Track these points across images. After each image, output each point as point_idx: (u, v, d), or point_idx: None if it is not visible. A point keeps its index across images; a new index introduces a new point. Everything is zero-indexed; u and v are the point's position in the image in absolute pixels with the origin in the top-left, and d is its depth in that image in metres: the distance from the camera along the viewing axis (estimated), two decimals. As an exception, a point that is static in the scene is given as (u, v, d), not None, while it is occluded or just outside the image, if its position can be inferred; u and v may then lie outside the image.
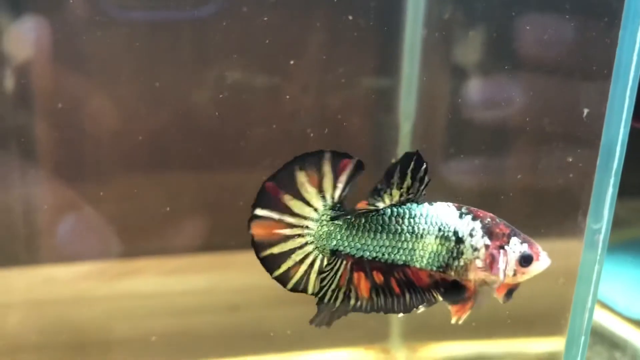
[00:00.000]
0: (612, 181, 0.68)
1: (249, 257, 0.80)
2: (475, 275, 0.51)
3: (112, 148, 0.73)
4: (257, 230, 0.51)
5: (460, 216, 0.51)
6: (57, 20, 0.64)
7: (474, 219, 0.51)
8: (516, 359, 0.82)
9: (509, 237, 0.51)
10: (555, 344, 0.79)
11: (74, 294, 0.77)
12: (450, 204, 0.51)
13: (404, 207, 0.51)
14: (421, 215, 0.51)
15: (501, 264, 0.50)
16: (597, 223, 0.69)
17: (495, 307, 0.79)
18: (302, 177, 0.49)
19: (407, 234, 0.51)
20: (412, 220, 0.51)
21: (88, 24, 0.65)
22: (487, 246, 0.50)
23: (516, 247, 0.51)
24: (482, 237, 0.51)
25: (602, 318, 0.89)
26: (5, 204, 0.72)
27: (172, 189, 0.75)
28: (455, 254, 0.51)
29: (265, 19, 0.68)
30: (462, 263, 0.51)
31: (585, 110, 0.68)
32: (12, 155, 0.70)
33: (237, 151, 0.75)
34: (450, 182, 0.73)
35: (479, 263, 0.51)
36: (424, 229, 0.51)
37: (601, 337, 0.86)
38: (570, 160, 0.71)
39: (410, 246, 0.51)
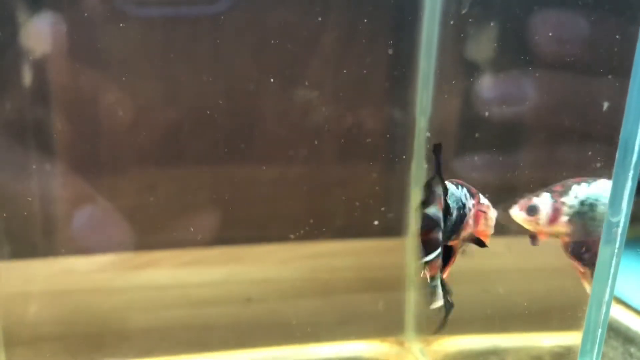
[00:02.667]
0: (630, 174, 0.67)
1: (262, 250, 0.81)
2: (464, 233, 0.55)
3: (128, 142, 0.73)
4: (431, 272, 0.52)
5: (454, 185, 0.55)
6: (74, 16, 0.64)
7: (457, 185, 0.55)
8: (531, 352, 0.81)
9: (478, 195, 0.56)
10: (571, 337, 0.79)
11: (92, 285, 0.78)
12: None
13: None
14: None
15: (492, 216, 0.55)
16: (616, 216, 0.69)
17: (510, 300, 0.79)
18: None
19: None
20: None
21: (104, 20, 0.66)
22: (474, 205, 0.55)
23: (485, 201, 0.56)
24: (470, 199, 0.55)
25: (617, 313, 0.88)
26: (24, 196, 0.72)
27: (188, 182, 0.76)
28: (461, 220, 0.54)
29: (280, 15, 0.68)
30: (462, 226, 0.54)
31: (605, 104, 0.67)
32: (31, 148, 0.70)
33: (251, 145, 0.76)
34: (465, 178, 0.73)
35: (470, 222, 0.55)
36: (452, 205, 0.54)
37: (616, 332, 0.85)
38: (590, 154, 0.71)
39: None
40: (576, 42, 0.69)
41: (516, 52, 0.72)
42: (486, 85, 0.73)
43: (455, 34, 0.72)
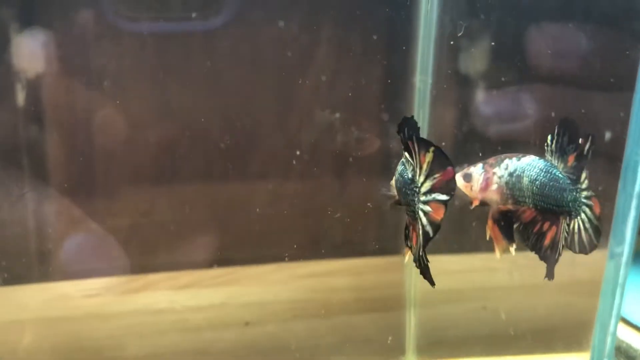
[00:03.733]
0: (634, 203, 0.68)
1: (259, 271, 0.80)
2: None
3: (122, 161, 0.73)
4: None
5: None
6: (66, 33, 0.64)
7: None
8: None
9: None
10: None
11: (87, 311, 0.76)
12: None
13: None
14: None
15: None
16: (619, 246, 0.69)
17: (513, 318, 0.78)
18: None
19: None
20: None
21: (97, 37, 0.66)
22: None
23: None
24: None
25: (619, 330, 0.87)
26: (15, 219, 0.72)
27: (183, 201, 0.75)
28: None
29: (274, 31, 0.68)
30: None
31: (607, 134, 0.68)
32: (23, 170, 0.70)
33: (247, 162, 0.75)
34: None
35: None
36: None
37: (617, 349, 0.84)
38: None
39: None
40: (572, 58, 0.70)
41: (512, 69, 0.72)
42: (483, 101, 0.73)
43: (451, 52, 0.72)
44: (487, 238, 0.59)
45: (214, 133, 0.73)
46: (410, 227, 0.54)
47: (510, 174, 0.58)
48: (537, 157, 0.58)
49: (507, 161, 0.59)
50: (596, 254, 0.77)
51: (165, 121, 0.72)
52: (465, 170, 0.59)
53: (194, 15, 0.67)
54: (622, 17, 0.69)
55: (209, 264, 0.78)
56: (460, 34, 0.70)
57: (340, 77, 0.73)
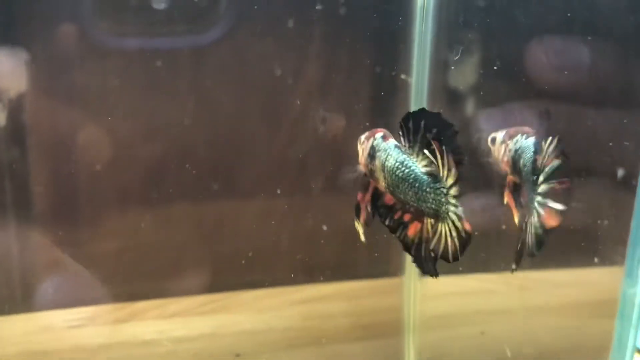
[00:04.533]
0: None
1: (250, 296, 0.78)
2: None
3: (106, 184, 0.71)
4: None
5: None
6: (49, 52, 0.63)
7: None
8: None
9: None
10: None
11: (71, 343, 0.74)
12: None
13: None
14: None
15: None
16: (631, 287, 0.69)
17: (513, 346, 0.76)
18: None
19: None
20: None
21: (82, 55, 0.65)
22: None
23: None
24: None
25: None
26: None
27: (171, 224, 0.73)
28: None
29: (263, 48, 0.67)
30: None
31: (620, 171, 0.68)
32: (5, 195, 0.68)
33: (236, 181, 0.74)
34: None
35: None
36: None
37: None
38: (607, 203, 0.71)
39: None
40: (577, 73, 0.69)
41: (510, 84, 0.71)
42: (479, 120, 0.72)
43: (445, 71, 0.72)
44: None
45: (202, 152, 0.71)
46: (411, 221, 0.54)
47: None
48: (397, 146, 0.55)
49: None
50: (601, 275, 0.76)
51: (151, 141, 0.71)
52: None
53: (181, 32, 0.66)
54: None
55: (198, 290, 0.76)
56: (457, 57, 0.69)
57: (330, 91, 0.73)
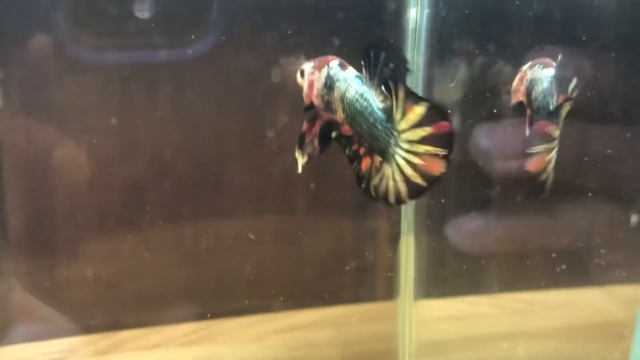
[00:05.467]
0: None
1: (235, 324, 0.75)
2: None
3: (84, 205, 0.69)
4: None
5: None
6: (26, 68, 0.61)
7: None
8: None
9: None
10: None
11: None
12: None
13: None
14: None
15: None
16: None
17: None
18: None
19: None
20: None
21: (59, 71, 0.63)
22: None
23: None
24: None
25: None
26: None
27: (152, 245, 0.71)
28: None
29: (245, 63, 0.67)
30: None
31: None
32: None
33: (218, 200, 0.72)
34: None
35: None
36: None
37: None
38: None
39: None
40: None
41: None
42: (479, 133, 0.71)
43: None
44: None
45: (183, 171, 0.70)
46: (364, 155, 0.54)
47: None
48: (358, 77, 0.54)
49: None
50: (592, 297, 0.75)
51: (130, 159, 0.69)
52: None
53: (160, 46, 0.65)
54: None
55: (182, 318, 0.73)
56: (452, 85, 0.69)
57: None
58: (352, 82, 0.53)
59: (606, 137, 0.70)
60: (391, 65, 0.51)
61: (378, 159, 0.52)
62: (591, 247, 0.72)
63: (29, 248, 0.69)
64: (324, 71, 0.55)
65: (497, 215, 0.70)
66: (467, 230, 0.70)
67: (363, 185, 0.54)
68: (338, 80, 0.54)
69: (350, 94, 0.53)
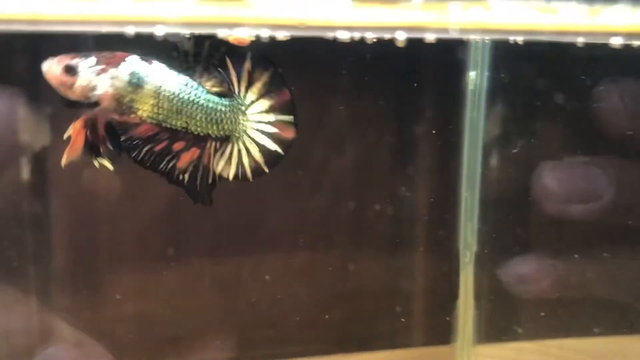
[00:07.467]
0: None
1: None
2: None
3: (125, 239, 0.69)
4: None
5: None
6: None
7: None
8: None
9: None
10: None
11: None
12: None
13: None
14: None
15: None
16: None
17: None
18: None
19: None
20: None
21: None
22: None
23: None
24: None
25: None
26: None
27: (188, 287, 0.70)
28: None
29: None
30: None
31: None
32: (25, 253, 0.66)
33: (259, 238, 0.71)
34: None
35: None
36: None
37: None
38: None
39: None
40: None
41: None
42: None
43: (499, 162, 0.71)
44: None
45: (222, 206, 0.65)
46: (184, 150, 0.52)
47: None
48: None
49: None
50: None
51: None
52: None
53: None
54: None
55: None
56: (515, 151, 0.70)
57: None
58: (167, 75, 0.51)
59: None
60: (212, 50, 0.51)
61: (213, 145, 0.52)
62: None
63: (69, 282, 0.68)
64: (124, 68, 0.50)
65: (553, 259, 0.69)
66: (523, 274, 0.69)
67: (187, 182, 0.52)
68: (147, 75, 0.50)
69: (171, 86, 0.51)
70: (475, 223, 0.71)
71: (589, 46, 0.48)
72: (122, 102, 0.50)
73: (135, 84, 0.50)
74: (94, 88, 0.50)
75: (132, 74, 0.50)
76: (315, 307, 0.73)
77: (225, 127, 0.52)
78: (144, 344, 0.70)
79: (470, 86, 0.68)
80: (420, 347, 0.74)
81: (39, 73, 0.53)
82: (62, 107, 0.51)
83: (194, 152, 0.52)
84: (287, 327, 0.73)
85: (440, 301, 0.74)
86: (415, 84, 0.69)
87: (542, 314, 0.72)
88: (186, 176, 0.52)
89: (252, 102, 0.52)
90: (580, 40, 0.48)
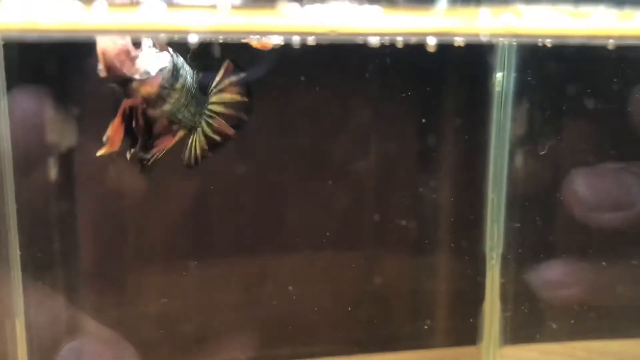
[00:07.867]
0: None
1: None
2: None
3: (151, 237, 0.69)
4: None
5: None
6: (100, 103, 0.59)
7: None
8: None
9: None
10: None
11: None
12: None
13: None
14: None
15: None
16: None
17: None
18: None
19: None
20: None
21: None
22: None
23: None
24: None
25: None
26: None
27: (212, 287, 0.70)
28: None
29: (306, 96, 0.67)
30: None
31: None
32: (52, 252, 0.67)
33: (283, 236, 0.72)
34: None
35: None
36: None
37: None
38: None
39: None
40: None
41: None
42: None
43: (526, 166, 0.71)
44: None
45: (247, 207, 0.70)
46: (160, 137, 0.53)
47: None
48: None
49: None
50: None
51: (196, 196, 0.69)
52: None
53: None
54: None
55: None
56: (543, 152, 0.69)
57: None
58: (187, 68, 0.51)
59: None
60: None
61: (180, 134, 0.53)
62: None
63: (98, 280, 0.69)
64: (168, 57, 0.50)
65: (580, 262, 0.70)
66: (550, 278, 0.69)
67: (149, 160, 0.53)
68: (181, 68, 0.51)
69: (189, 80, 0.52)
70: (502, 225, 0.71)
71: (620, 47, 0.48)
72: (161, 92, 0.50)
73: (175, 76, 0.50)
74: (151, 65, 0.49)
75: (174, 67, 0.50)
76: (340, 308, 0.73)
77: (196, 119, 0.53)
78: (168, 341, 0.70)
79: (497, 88, 0.68)
80: (446, 348, 0.74)
81: (67, 74, 0.54)
82: (93, 100, 0.54)
83: (169, 140, 0.54)
84: (312, 327, 0.73)
85: (466, 302, 0.73)
86: (443, 86, 0.69)
87: (569, 316, 0.72)
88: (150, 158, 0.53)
89: (217, 84, 0.53)
90: (612, 42, 0.47)
